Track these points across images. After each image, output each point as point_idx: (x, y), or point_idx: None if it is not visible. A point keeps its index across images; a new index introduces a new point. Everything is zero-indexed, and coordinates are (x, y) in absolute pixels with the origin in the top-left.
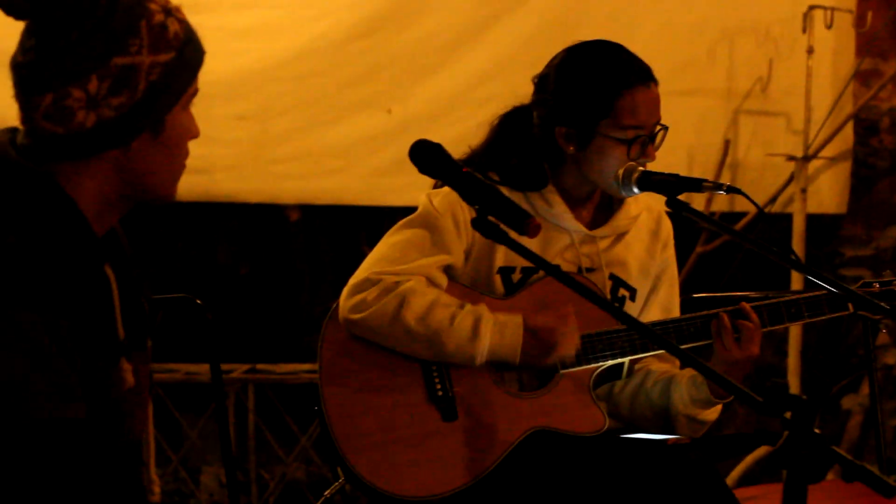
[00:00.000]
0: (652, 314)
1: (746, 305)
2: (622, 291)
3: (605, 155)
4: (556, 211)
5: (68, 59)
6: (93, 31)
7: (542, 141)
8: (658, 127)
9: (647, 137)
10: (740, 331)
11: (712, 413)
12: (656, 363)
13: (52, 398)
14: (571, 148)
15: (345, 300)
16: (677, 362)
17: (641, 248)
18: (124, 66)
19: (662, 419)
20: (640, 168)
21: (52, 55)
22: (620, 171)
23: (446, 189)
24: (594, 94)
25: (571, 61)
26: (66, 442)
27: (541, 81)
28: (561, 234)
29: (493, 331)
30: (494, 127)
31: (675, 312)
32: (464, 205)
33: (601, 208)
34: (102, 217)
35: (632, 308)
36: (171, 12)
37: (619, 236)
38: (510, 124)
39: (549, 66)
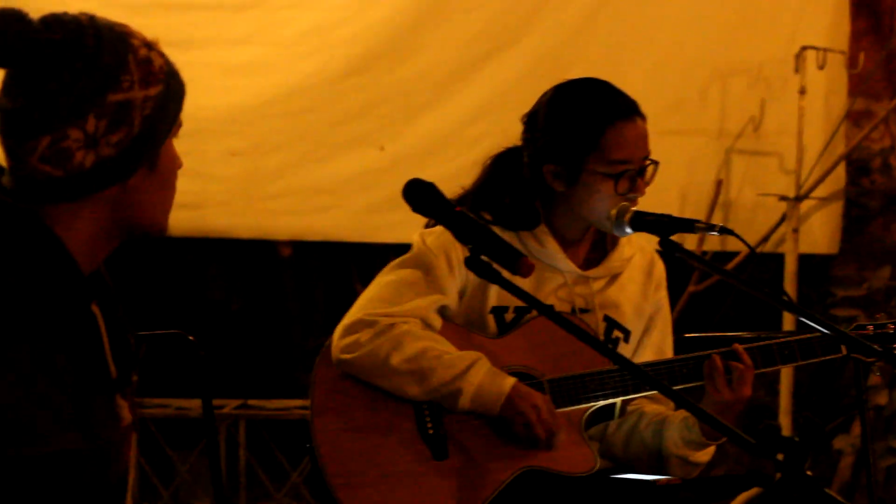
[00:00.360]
0: (645, 355)
1: (739, 347)
2: (616, 333)
3: (593, 191)
4: (549, 251)
5: (63, 101)
6: (84, 71)
7: (532, 180)
8: (648, 161)
9: (635, 172)
10: (732, 372)
11: (705, 455)
12: (650, 404)
13: (47, 431)
14: (561, 186)
15: (337, 340)
16: (671, 404)
17: (635, 290)
18: (119, 103)
19: (656, 460)
20: (633, 208)
21: (45, 98)
22: (613, 211)
23: (440, 228)
24: (581, 130)
25: (558, 99)
26: (59, 474)
27: (530, 120)
28: (554, 274)
29: (486, 375)
30: (487, 167)
31: (669, 353)
32: (457, 244)
33: (594, 249)
34: (93, 255)
35: (625, 349)
36: (153, 46)
37: (613, 277)
38: (502, 165)
39: (537, 104)
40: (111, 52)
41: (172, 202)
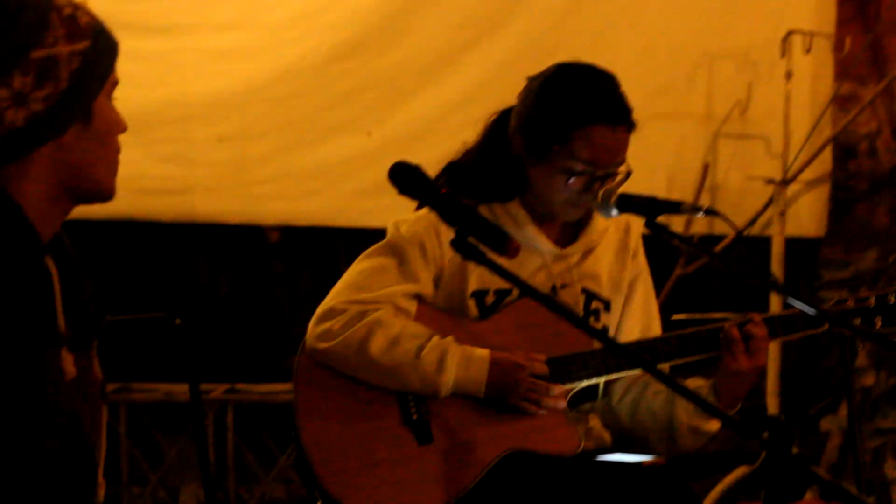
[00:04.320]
0: (631, 323)
1: (756, 316)
2: (595, 304)
3: (549, 176)
4: (527, 233)
5: None
6: (5, 30)
7: (511, 145)
8: (618, 170)
9: (595, 176)
10: (749, 341)
11: (715, 423)
12: None
13: None
14: (526, 158)
15: (312, 328)
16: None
17: (612, 260)
18: (44, 59)
19: (665, 430)
20: (619, 190)
21: None
22: (600, 193)
23: (415, 216)
24: (560, 116)
25: (557, 76)
26: None
27: (528, 83)
28: (533, 254)
29: (459, 365)
30: (488, 124)
31: (655, 318)
32: (432, 233)
33: (569, 224)
34: (46, 219)
35: (607, 319)
36: (79, 6)
37: (590, 250)
38: (502, 123)
39: (542, 73)
40: (33, 11)
41: (116, 164)
